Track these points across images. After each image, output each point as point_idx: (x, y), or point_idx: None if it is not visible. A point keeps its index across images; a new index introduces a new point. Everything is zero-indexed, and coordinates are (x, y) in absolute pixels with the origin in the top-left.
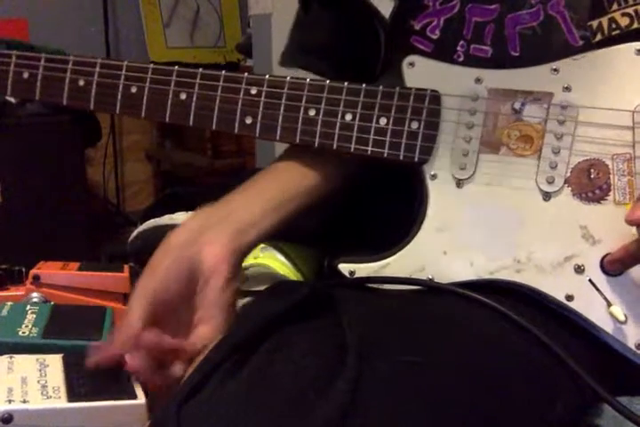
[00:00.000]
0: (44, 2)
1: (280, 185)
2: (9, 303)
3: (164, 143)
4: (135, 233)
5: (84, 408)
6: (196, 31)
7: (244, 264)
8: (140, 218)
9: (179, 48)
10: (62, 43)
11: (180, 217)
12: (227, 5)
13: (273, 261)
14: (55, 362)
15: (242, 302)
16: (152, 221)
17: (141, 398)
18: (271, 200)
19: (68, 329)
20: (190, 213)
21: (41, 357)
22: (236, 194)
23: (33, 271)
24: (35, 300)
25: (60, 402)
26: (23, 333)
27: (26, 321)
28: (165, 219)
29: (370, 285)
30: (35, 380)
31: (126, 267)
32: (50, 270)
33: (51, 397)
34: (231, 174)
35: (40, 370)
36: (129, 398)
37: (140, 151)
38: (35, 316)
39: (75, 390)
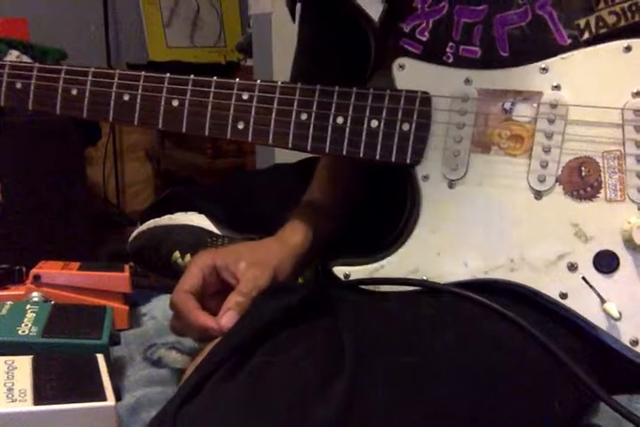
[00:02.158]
0: (44, 1)
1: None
2: (9, 303)
3: (164, 143)
4: (135, 233)
5: (50, 411)
6: (197, 31)
7: None
8: (140, 218)
9: (179, 48)
10: (62, 42)
11: (179, 217)
12: (227, 5)
13: None
14: (24, 364)
15: None
16: (152, 221)
17: (111, 400)
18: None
19: (67, 328)
20: (190, 213)
21: (10, 358)
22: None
23: (33, 271)
24: (35, 299)
25: (26, 405)
26: (23, 332)
27: (25, 320)
28: (165, 219)
29: (366, 286)
30: (1, 383)
31: (127, 267)
32: (50, 270)
33: (16, 400)
34: (231, 174)
35: (7, 372)
36: (98, 400)
37: (140, 151)
38: (34, 315)
39: (42, 393)
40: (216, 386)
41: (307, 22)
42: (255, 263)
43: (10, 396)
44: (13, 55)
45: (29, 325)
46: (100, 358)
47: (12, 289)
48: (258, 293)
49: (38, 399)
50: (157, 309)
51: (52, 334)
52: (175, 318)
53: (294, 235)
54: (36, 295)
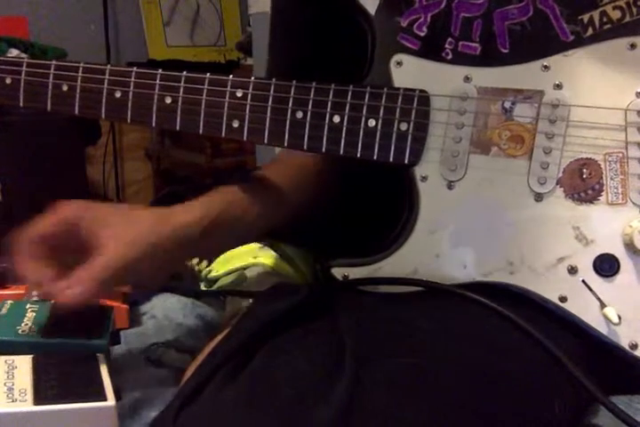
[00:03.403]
0: (45, 0)
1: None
2: (9, 302)
3: (164, 142)
4: None
5: (50, 411)
6: (196, 30)
7: (242, 264)
8: None
9: (179, 47)
10: (62, 41)
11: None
12: (227, 4)
13: (273, 260)
14: (24, 363)
15: (243, 303)
16: None
17: (111, 400)
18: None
19: (67, 328)
20: None
21: (10, 358)
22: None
23: None
24: (35, 298)
25: (26, 405)
26: (23, 331)
27: (26, 320)
28: None
29: (366, 287)
30: (1, 382)
31: None
32: None
33: (16, 400)
34: (230, 173)
35: (7, 372)
36: (98, 400)
37: (140, 150)
38: (35, 314)
39: (42, 393)
40: (217, 388)
41: (285, 22)
42: (122, 237)
43: (10, 396)
44: (13, 54)
45: (29, 324)
46: (101, 357)
47: (12, 288)
48: (110, 275)
49: (38, 399)
50: (157, 308)
51: (51, 334)
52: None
53: (183, 214)
54: (36, 294)
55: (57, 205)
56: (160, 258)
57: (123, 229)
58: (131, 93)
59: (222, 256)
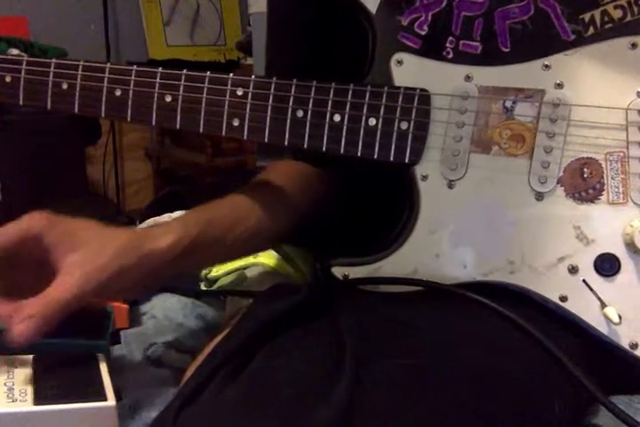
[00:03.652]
0: (45, 0)
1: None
2: None
3: (164, 141)
4: None
5: (50, 411)
6: (196, 29)
7: (242, 264)
8: (140, 217)
9: (179, 46)
10: (62, 41)
11: (178, 216)
12: (227, 3)
13: (273, 260)
14: (24, 363)
15: (243, 303)
16: (151, 220)
17: (111, 400)
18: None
19: (67, 328)
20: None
21: (10, 358)
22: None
23: None
24: None
25: (26, 405)
26: None
27: None
28: (165, 217)
29: (366, 286)
30: (1, 382)
31: None
32: None
33: (17, 400)
34: (231, 173)
35: (7, 372)
36: (98, 400)
37: (140, 149)
38: None
39: (42, 393)
40: (217, 388)
41: (282, 22)
42: (88, 263)
43: (10, 396)
44: (14, 53)
45: None
46: (101, 357)
47: None
48: (65, 309)
49: (38, 399)
50: (158, 307)
51: (51, 334)
52: None
53: (162, 237)
54: None
55: (22, 217)
56: (129, 281)
57: (91, 252)
58: (131, 92)
59: None
